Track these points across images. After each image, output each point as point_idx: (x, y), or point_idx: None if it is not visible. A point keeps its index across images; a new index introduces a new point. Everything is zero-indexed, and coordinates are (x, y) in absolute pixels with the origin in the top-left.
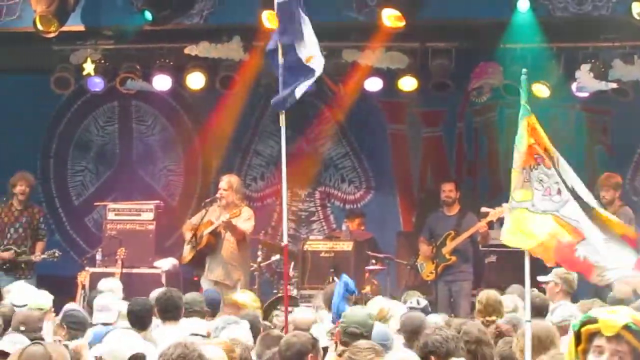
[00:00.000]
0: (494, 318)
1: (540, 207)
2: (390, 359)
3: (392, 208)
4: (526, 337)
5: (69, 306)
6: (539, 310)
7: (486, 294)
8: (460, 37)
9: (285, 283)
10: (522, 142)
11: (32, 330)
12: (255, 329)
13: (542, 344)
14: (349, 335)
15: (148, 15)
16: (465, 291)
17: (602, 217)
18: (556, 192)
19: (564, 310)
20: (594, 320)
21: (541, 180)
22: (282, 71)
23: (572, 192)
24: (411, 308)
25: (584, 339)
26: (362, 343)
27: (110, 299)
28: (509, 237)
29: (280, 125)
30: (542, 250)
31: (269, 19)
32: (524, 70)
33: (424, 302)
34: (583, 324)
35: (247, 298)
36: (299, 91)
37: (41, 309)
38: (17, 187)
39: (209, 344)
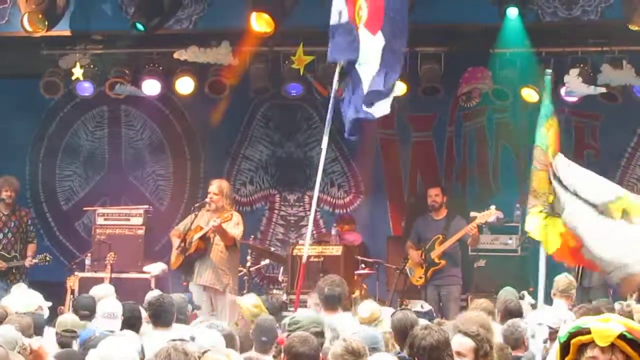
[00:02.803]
0: None
1: (556, 210)
2: None
3: (381, 212)
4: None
5: None
6: (514, 315)
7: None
8: (449, 41)
9: (298, 289)
10: (544, 142)
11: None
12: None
13: None
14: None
15: (140, 26)
16: (454, 295)
17: (619, 209)
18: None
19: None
20: (585, 331)
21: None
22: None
23: (573, 193)
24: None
25: (573, 350)
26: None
27: (117, 306)
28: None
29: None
30: (561, 254)
31: (257, 22)
32: (548, 71)
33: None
34: (572, 335)
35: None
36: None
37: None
38: (2, 193)
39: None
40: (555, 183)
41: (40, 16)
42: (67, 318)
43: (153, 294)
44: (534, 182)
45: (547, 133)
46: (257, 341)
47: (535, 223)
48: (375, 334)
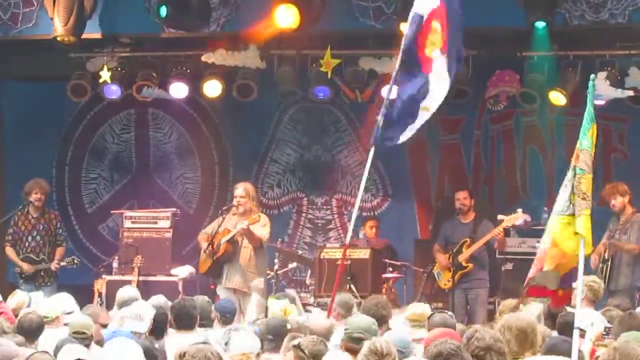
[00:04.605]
0: None
1: None
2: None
3: (409, 216)
4: None
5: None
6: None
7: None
8: (477, 44)
9: (333, 292)
10: (590, 146)
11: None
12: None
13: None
14: (353, 340)
15: (163, 11)
16: (481, 298)
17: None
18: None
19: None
20: None
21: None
22: (387, 103)
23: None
24: None
25: None
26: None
27: (146, 308)
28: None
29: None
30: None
31: (283, 15)
32: (592, 76)
33: None
34: None
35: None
36: (404, 136)
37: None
38: (31, 195)
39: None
40: None
41: (69, 28)
42: (77, 320)
43: (158, 299)
44: (583, 185)
45: (592, 137)
46: (266, 340)
47: (585, 225)
48: (407, 338)
